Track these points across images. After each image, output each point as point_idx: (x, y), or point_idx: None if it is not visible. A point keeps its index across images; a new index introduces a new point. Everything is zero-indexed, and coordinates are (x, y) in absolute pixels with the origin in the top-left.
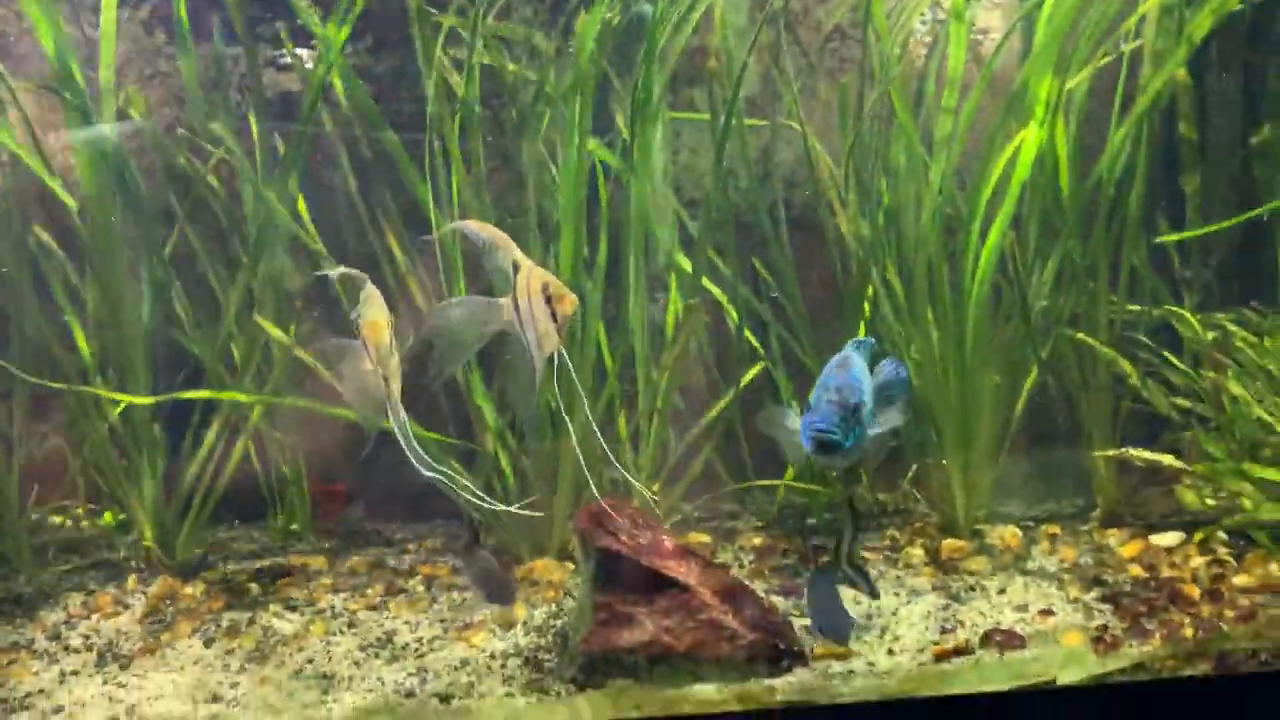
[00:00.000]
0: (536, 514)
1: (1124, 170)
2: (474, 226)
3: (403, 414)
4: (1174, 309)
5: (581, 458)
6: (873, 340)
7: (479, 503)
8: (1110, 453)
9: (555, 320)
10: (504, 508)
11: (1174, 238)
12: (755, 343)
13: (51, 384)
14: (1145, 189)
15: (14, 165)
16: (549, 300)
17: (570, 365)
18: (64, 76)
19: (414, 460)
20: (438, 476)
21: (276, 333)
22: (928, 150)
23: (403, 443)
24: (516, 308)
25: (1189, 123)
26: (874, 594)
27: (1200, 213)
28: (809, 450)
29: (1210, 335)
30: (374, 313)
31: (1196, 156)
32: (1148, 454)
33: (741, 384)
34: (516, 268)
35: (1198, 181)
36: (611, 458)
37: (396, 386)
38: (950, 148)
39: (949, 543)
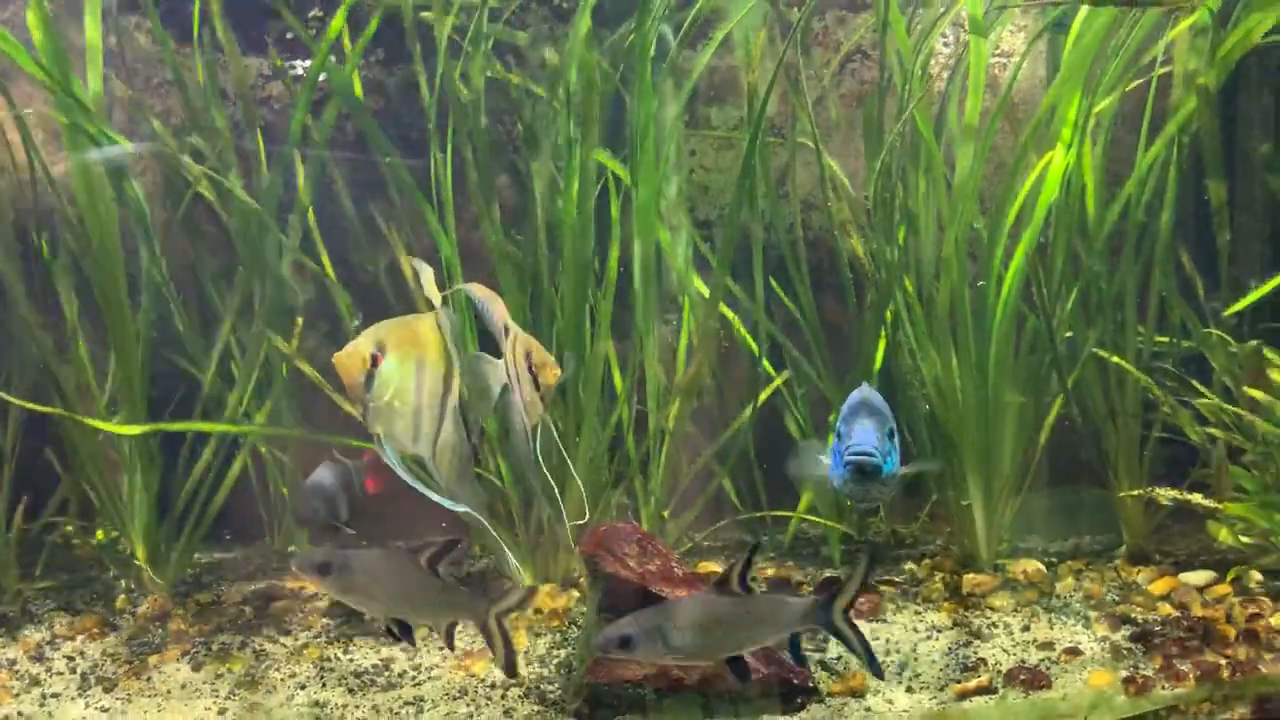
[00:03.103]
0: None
1: (1153, 195)
2: (475, 291)
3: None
4: (1210, 330)
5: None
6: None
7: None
8: (1135, 493)
9: (539, 389)
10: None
11: (1238, 308)
12: (771, 369)
13: (36, 407)
14: (1174, 214)
15: (12, 174)
16: (531, 368)
17: (555, 430)
18: (62, 91)
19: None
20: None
21: (284, 345)
22: (950, 171)
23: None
24: (507, 371)
25: (1213, 139)
26: (877, 673)
27: (1229, 229)
28: (846, 477)
29: (1250, 346)
30: (353, 345)
31: (1221, 173)
32: (1175, 493)
33: (758, 402)
34: (507, 330)
35: (1224, 195)
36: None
37: (427, 431)
38: (974, 165)
39: (970, 577)
